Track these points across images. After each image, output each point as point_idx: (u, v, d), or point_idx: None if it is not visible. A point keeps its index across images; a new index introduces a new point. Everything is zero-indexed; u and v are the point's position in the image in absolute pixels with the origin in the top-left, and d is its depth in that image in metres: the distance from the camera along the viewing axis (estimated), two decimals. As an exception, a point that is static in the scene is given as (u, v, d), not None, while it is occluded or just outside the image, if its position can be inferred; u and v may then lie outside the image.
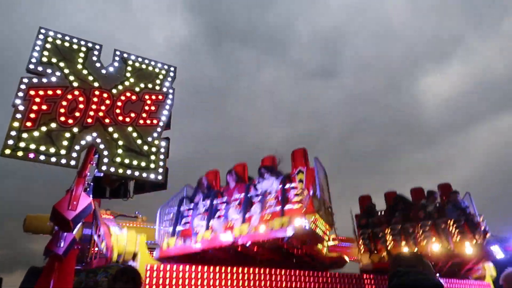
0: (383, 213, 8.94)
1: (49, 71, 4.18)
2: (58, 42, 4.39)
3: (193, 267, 5.92)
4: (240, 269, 6.22)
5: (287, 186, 6.36)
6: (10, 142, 3.67)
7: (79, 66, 4.38)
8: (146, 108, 4.57)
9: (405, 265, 2.22)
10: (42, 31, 4.34)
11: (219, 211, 6.67)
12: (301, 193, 6.19)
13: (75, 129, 4.00)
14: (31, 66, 4.13)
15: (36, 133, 3.79)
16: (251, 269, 6.27)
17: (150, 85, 4.75)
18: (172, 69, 4.98)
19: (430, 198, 8.61)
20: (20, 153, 3.68)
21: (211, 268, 6.03)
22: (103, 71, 4.52)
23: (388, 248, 8.02)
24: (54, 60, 4.26)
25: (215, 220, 6.44)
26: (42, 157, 3.75)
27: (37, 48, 4.23)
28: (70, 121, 4.02)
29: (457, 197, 8.78)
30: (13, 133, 3.71)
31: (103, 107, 4.27)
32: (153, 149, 4.38)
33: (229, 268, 6.15)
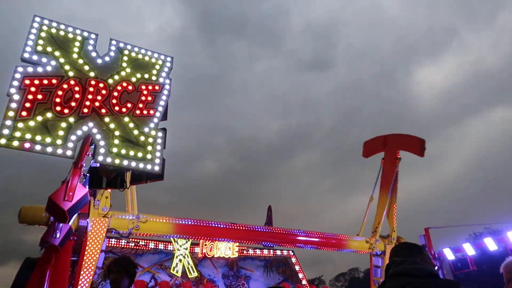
0: None
1: (44, 60, 4.12)
2: (53, 30, 4.32)
3: None
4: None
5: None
6: (5, 131, 3.62)
7: (75, 56, 4.31)
8: (143, 98, 4.53)
9: (403, 255, 2.23)
10: (37, 19, 4.26)
11: None
12: None
13: (71, 119, 3.96)
14: (26, 55, 4.06)
15: (31, 123, 3.75)
16: None
17: (146, 76, 4.71)
18: (168, 59, 4.94)
19: None
20: (15, 143, 3.64)
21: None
22: (99, 61, 4.46)
23: None
24: (49, 49, 4.20)
25: None
26: (38, 147, 3.71)
27: (32, 36, 4.15)
28: (66, 111, 3.97)
29: None
30: (8, 122, 3.66)
31: (99, 97, 4.23)
32: (150, 140, 4.35)
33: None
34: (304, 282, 13.90)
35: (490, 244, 11.15)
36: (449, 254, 11.96)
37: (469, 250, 11.57)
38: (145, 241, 11.85)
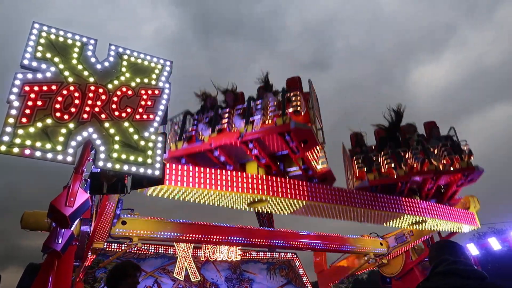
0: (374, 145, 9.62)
1: (43, 66, 4.13)
2: (52, 37, 4.33)
3: (196, 168, 6.48)
4: (240, 173, 6.86)
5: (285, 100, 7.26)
6: (5, 138, 3.62)
7: (74, 61, 4.32)
8: (143, 103, 4.53)
9: (451, 254, 2.22)
10: (36, 25, 4.27)
11: (223, 119, 7.60)
12: (299, 105, 7.19)
13: (71, 125, 3.96)
14: (25, 62, 4.07)
15: (31, 129, 3.75)
16: (250, 174, 6.92)
17: (146, 80, 4.71)
18: (168, 63, 4.94)
19: (411, 129, 9.33)
20: (15, 150, 3.64)
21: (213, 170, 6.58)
22: (98, 66, 4.47)
23: (382, 170, 8.54)
24: (48, 55, 4.21)
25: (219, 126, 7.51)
26: (38, 154, 3.71)
27: (31, 43, 4.16)
28: (66, 116, 3.97)
29: (439, 130, 9.38)
30: (8, 129, 3.66)
31: (99, 103, 4.23)
32: (150, 144, 4.35)
33: (229, 172, 6.73)
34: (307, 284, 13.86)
35: (494, 244, 11.11)
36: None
37: (473, 250, 11.53)
38: (148, 245, 11.84)
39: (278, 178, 6.98)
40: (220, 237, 9.37)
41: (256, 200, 6.88)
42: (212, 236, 9.25)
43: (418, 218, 8.32)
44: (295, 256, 14.38)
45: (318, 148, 7.53)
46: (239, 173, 6.80)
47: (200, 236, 9.18)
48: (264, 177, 6.87)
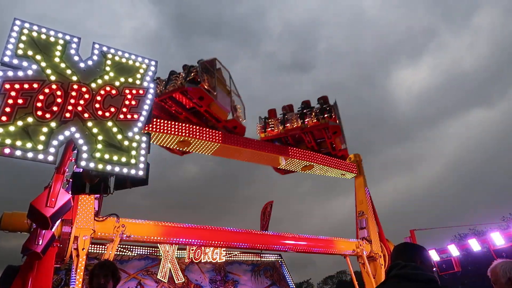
0: None
1: (25, 64, 4.05)
2: (34, 34, 4.25)
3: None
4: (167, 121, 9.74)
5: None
6: (-16, 137, 3.54)
7: (57, 59, 4.25)
8: (127, 102, 4.48)
9: (405, 258, 2.36)
10: (17, 22, 4.18)
11: None
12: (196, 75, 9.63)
13: (53, 124, 3.89)
14: (6, 59, 3.98)
15: (11, 128, 3.68)
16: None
17: (130, 80, 4.66)
18: (153, 63, 4.90)
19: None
20: (-5, 149, 3.56)
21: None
22: (82, 65, 4.40)
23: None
24: (30, 53, 4.12)
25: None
26: (18, 153, 3.64)
27: (12, 40, 4.07)
28: (48, 115, 3.90)
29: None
30: (-13, 128, 3.58)
31: (82, 102, 4.17)
32: (134, 144, 4.30)
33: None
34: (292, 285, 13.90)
35: (474, 245, 11.33)
36: (434, 256, 12.10)
37: (454, 251, 11.73)
38: (131, 246, 11.70)
39: (196, 127, 9.94)
40: (203, 241, 9.41)
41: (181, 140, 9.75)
42: (195, 240, 9.27)
43: (306, 163, 11.63)
44: (279, 257, 14.41)
45: (217, 104, 9.90)
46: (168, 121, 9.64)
47: (183, 239, 9.15)
48: (186, 125, 9.82)
